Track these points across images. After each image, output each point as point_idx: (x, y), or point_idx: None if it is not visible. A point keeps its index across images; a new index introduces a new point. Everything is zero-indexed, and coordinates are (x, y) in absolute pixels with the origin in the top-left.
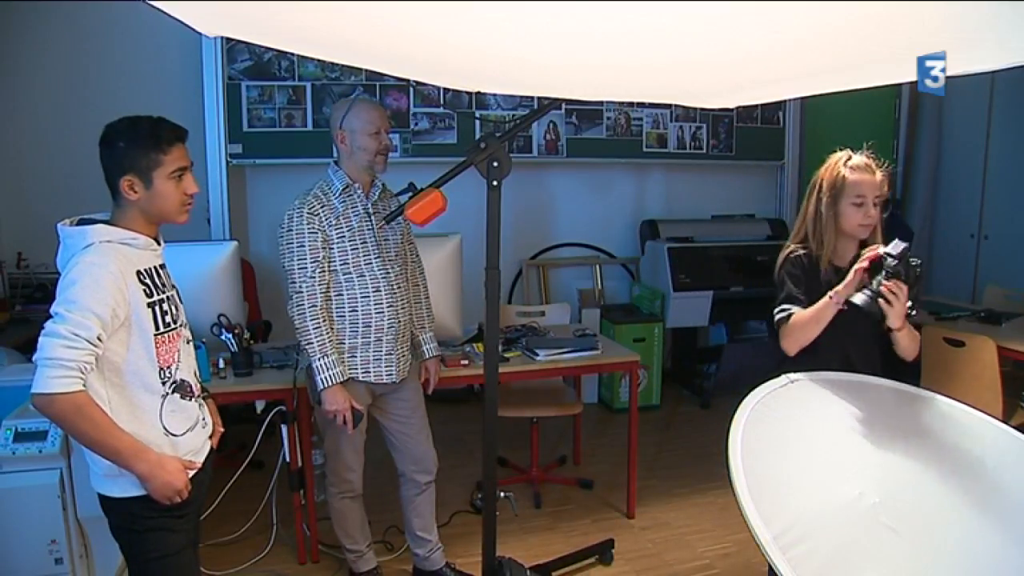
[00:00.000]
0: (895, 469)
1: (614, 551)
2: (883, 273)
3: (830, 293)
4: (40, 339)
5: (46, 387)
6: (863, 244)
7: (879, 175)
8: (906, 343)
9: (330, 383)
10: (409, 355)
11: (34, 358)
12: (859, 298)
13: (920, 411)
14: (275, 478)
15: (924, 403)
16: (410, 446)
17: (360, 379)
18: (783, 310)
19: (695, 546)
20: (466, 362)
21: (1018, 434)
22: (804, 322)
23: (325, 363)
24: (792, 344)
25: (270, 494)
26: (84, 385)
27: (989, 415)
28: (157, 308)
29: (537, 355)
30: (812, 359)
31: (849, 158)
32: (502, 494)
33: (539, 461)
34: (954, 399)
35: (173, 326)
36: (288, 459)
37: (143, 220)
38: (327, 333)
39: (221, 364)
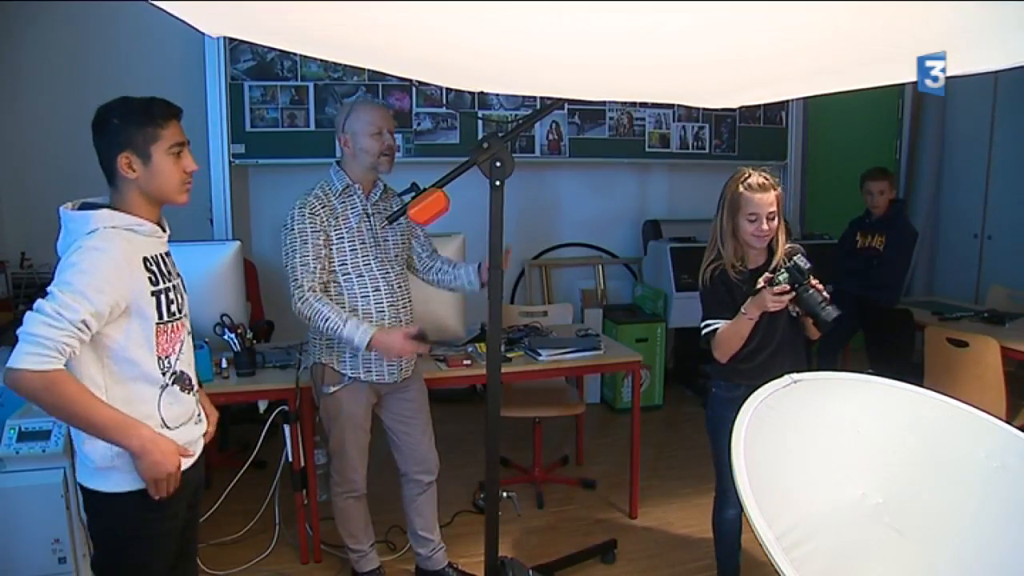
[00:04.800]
0: (898, 470)
1: (616, 551)
2: (806, 279)
3: (743, 309)
4: (26, 313)
5: (17, 362)
6: (770, 248)
7: (772, 193)
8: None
9: (367, 336)
10: (412, 355)
11: (17, 331)
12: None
13: (924, 412)
14: (278, 478)
15: (928, 403)
16: (413, 446)
17: (363, 378)
18: (707, 325)
19: (698, 546)
20: (469, 362)
21: (1021, 435)
22: (727, 336)
23: (351, 326)
24: (722, 355)
25: (273, 494)
26: (64, 366)
27: (993, 416)
28: (163, 296)
29: (540, 355)
30: (744, 359)
31: (748, 176)
32: (504, 494)
33: (541, 461)
34: (958, 399)
35: (178, 315)
36: (291, 459)
37: (144, 202)
38: (336, 307)
39: (224, 364)
